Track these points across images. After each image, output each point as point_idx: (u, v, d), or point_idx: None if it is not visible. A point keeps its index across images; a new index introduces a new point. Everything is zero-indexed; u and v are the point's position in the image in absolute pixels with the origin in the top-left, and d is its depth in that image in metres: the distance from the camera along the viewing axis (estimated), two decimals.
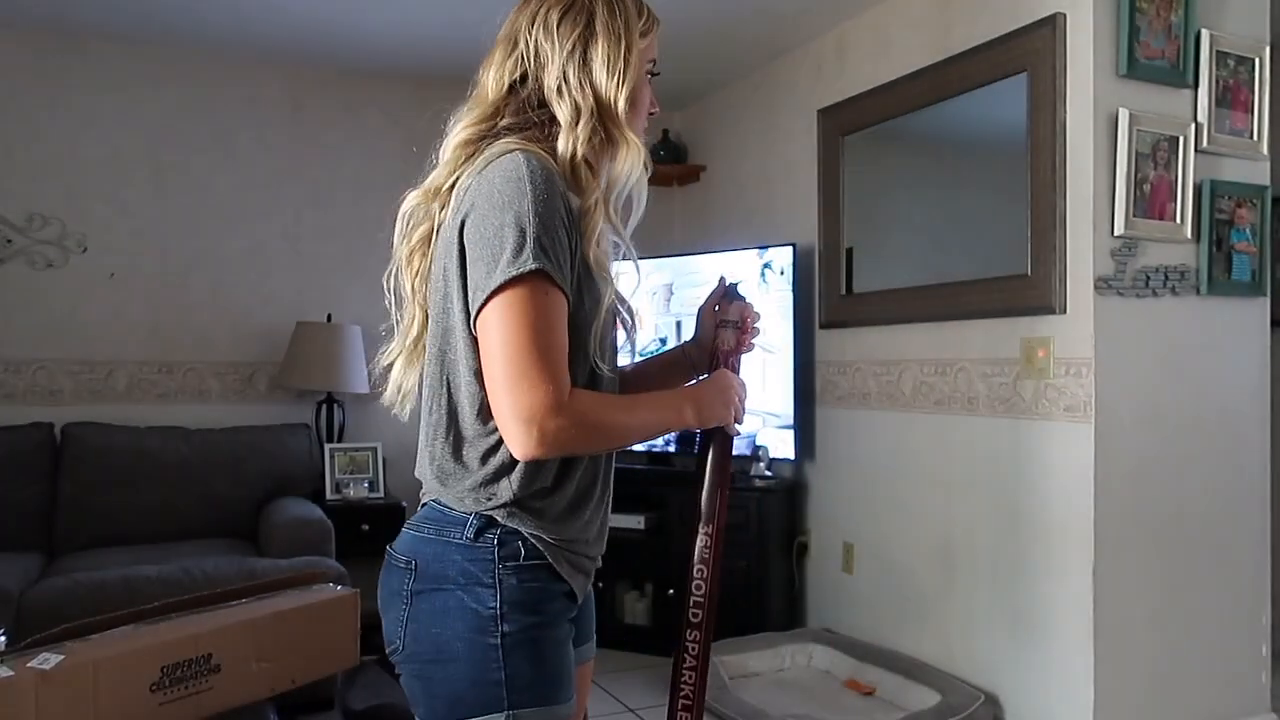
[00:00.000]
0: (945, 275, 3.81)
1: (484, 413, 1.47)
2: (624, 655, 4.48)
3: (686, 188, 5.70)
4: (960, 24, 3.72)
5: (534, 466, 1.46)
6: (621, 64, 1.51)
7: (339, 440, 4.80)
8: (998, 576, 3.57)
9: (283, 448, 4.54)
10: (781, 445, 4.47)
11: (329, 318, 4.80)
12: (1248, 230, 3.41)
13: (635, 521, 4.62)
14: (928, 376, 3.89)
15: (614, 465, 1.66)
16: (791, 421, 4.44)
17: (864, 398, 4.24)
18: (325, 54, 4.75)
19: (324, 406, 4.80)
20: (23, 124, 4.47)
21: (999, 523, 3.56)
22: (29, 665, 2.39)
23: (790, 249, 4.47)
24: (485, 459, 1.48)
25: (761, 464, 4.48)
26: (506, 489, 1.47)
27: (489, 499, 1.48)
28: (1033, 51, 3.37)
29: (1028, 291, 3.42)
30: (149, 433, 4.38)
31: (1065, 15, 3.28)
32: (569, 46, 1.51)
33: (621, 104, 1.51)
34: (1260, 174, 3.47)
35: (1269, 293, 3.53)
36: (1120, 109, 3.20)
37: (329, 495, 4.60)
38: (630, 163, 1.53)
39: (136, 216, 4.66)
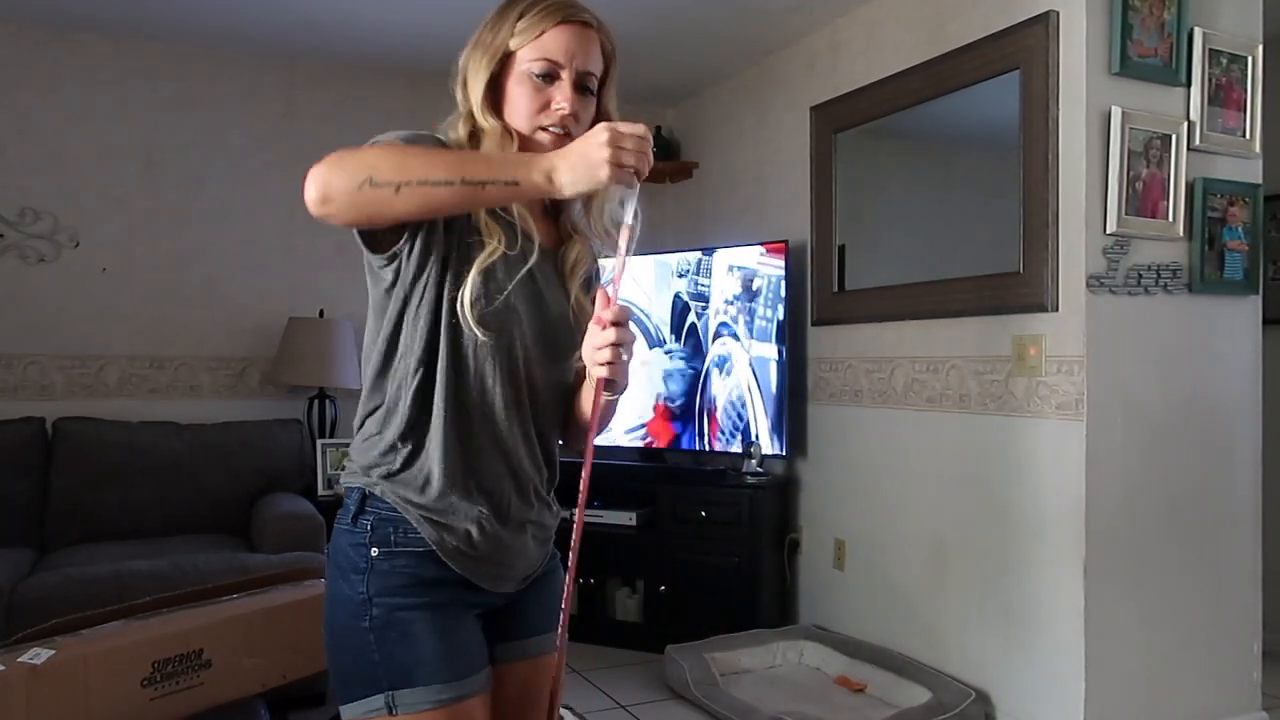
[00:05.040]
0: (937, 273, 3.81)
1: (386, 395, 1.58)
2: (616, 652, 4.48)
3: (679, 185, 5.70)
4: (953, 21, 3.73)
5: (381, 427, 1.57)
6: (484, 65, 1.61)
7: (331, 436, 4.79)
8: (989, 574, 3.58)
9: (274, 443, 4.53)
10: (773, 442, 4.48)
11: (321, 313, 4.79)
12: (1240, 228, 3.42)
13: (627, 518, 4.62)
14: (919, 374, 3.90)
15: (505, 448, 1.60)
16: (783, 418, 4.45)
17: (856, 395, 4.25)
18: (319, 49, 4.74)
19: (316, 402, 4.80)
20: (15, 118, 4.46)
21: (990, 520, 3.57)
22: (20, 660, 2.38)
23: (783, 246, 4.47)
24: (359, 428, 1.62)
25: (753, 461, 4.48)
26: (361, 452, 1.60)
27: (353, 466, 1.60)
28: (1025, 49, 3.38)
29: (1020, 289, 3.42)
30: (140, 428, 4.37)
31: (1058, 13, 3.28)
32: (459, 68, 1.66)
33: (477, 99, 1.61)
34: (1252, 172, 3.48)
35: (1261, 291, 3.54)
36: (1113, 107, 3.21)
37: (321, 491, 4.59)
38: (486, 146, 1.59)
39: (129, 211, 4.65)
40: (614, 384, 1.55)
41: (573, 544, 1.55)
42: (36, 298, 4.49)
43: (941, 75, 3.74)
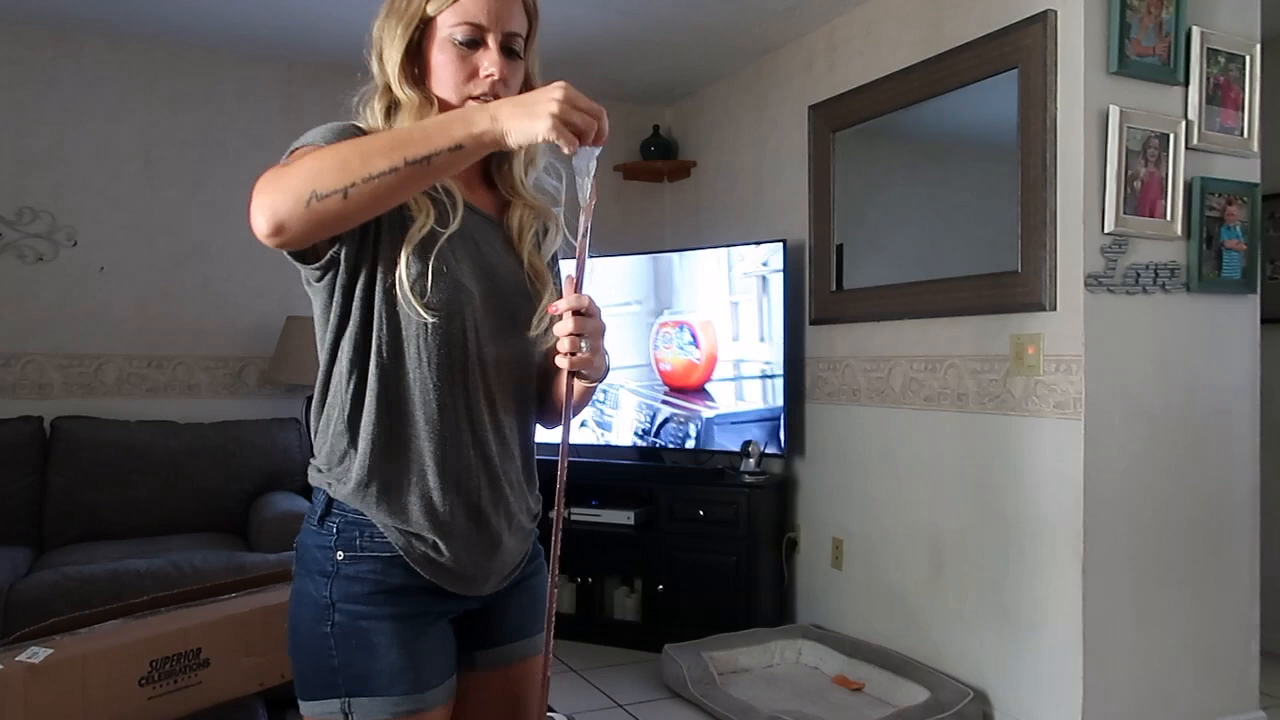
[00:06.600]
0: (935, 272, 3.81)
1: (320, 386, 1.53)
2: (613, 651, 4.48)
3: (677, 184, 5.70)
4: (951, 20, 3.73)
5: (338, 428, 1.50)
6: (401, 33, 1.53)
7: None
8: (987, 573, 3.58)
9: (272, 442, 4.53)
10: (771, 441, 4.48)
11: None
12: (1238, 227, 3.42)
13: (625, 517, 4.62)
14: (917, 373, 3.90)
15: (469, 436, 1.52)
16: (781, 417, 4.45)
17: (854, 394, 4.25)
18: (316, 48, 4.74)
19: None
20: (14, 117, 4.46)
21: (988, 519, 3.57)
22: (18, 659, 2.38)
23: (781, 245, 4.47)
24: (317, 428, 1.55)
25: (751, 460, 4.48)
26: (322, 454, 1.52)
27: (316, 470, 1.54)
28: (1023, 48, 3.38)
29: (1018, 288, 3.42)
30: (138, 427, 4.37)
31: (1056, 12, 3.28)
32: (373, 39, 1.59)
33: (394, 70, 1.55)
34: (1250, 171, 3.49)
35: (1259, 290, 3.55)
36: (1111, 106, 3.21)
37: None
38: (403, 119, 1.54)
39: (127, 210, 4.65)
40: (585, 373, 1.49)
41: (553, 543, 1.49)
42: (34, 297, 4.49)
43: (939, 75, 3.74)
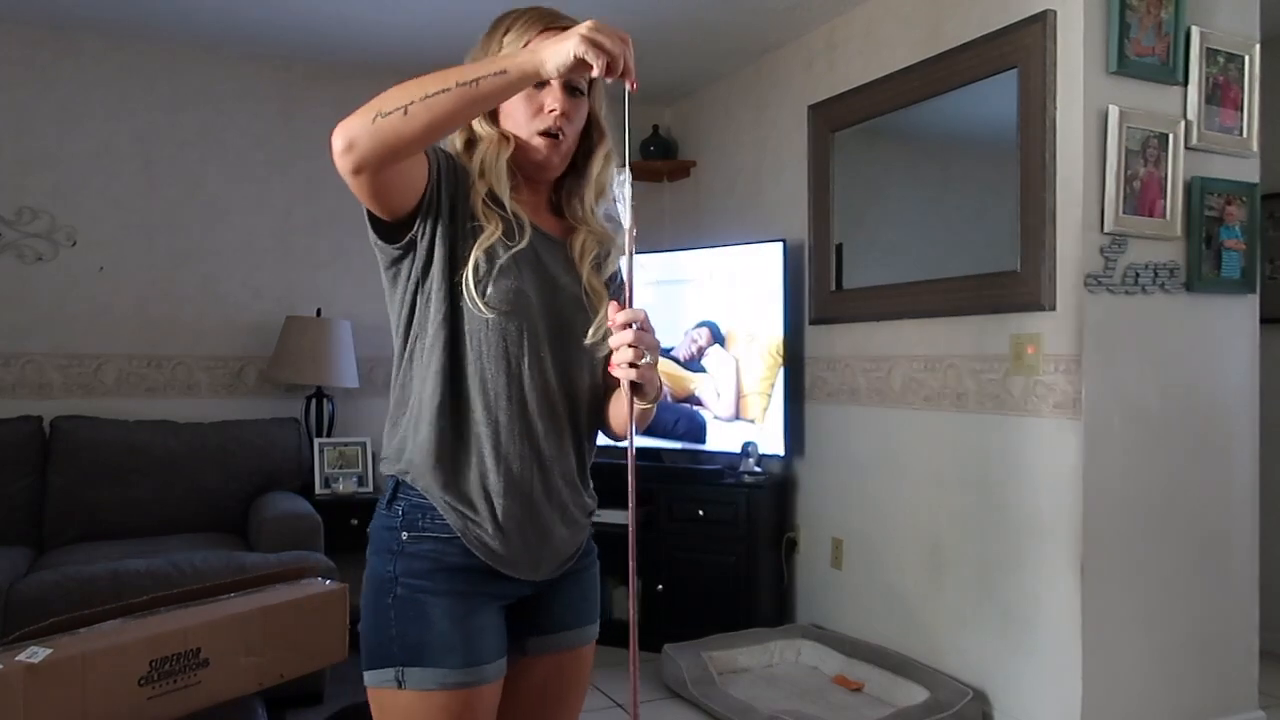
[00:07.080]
0: (935, 271, 3.81)
1: (393, 375, 1.70)
2: (613, 650, 4.44)
3: (676, 183, 5.70)
4: (951, 20, 3.73)
5: (405, 414, 1.66)
6: None
7: (328, 435, 4.79)
8: (986, 573, 3.58)
9: (272, 442, 4.53)
10: (771, 441, 4.48)
11: (319, 312, 4.79)
12: (1237, 227, 3.42)
13: (624, 517, 4.60)
14: (917, 373, 3.90)
15: (522, 430, 1.66)
16: (781, 417, 4.45)
17: (853, 394, 4.25)
18: (316, 49, 4.74)
19: (313, 401, 4.79)
20: (13, 117, 4.46)
21: (988, 519, 3.57)
22: (17, 659, 2.38)
23: (780, 245, 4.47)
24: (390, 412, 1.70)
25: (750, 460, 4.48)
26: (390, 439, 1.68)
27: (385, 454, 1.69)
28: (1023, 48, 3.38)
29: (1017, 288, 3.42)
30: (138, 427, 4.37)
31: (1055, 12, 3.28)
32: None
33: None
34: (1250, 171, 3.49)
35: (1258, 290, 3.55)
36: (1110, 106, 3.21)
37: (318, 490, 4.59)
38: (480, 154, 1.67)
39: (126, 210, 4.65)
40: (643, 389, 1.60)
41: (630, 558, 1.63)
42: (34, 296, 4.49)
43: (939, 74, 3.75)
